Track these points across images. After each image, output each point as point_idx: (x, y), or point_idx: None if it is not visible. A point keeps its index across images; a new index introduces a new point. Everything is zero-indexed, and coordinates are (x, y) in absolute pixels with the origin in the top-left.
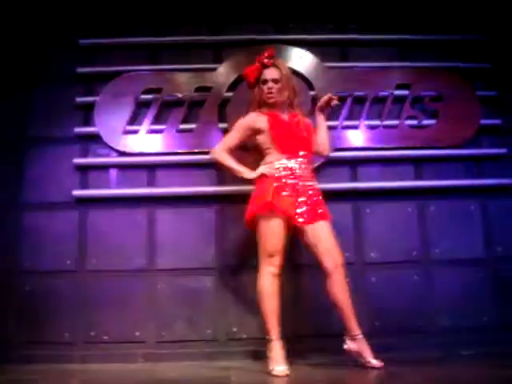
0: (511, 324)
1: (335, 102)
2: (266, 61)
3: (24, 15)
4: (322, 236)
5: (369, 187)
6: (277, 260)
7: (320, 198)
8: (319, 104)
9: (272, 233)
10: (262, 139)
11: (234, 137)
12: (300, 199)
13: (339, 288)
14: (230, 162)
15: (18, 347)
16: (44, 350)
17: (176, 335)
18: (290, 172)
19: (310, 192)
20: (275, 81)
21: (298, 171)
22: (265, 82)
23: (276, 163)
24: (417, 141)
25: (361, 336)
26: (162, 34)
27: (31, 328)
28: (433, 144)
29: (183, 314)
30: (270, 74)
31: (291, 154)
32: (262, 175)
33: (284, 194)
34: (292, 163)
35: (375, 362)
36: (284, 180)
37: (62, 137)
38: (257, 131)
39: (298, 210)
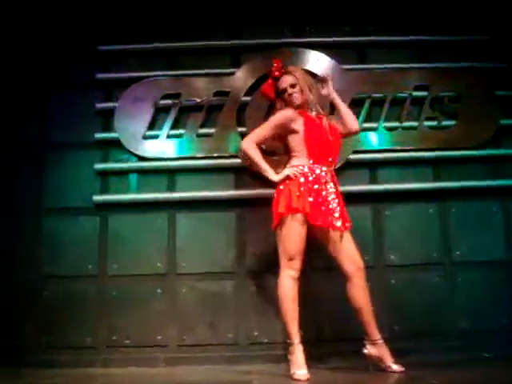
0: None
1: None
2: (276, 73)
3: (45, 23)
4: (347, 242)
5: (388, 189)
6: (297, 263)
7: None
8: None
9: (293, 236)
10: (294, 141)
11: (267, 130)
12: (333, 205)
13: (360, 292)
14: (259, 158)
15: (38, 352)
16: (65, 355)
17: (197, 339)
18: (318, 177)
19: (336, 200)
20: (293, 85)
21: (325, 177)
22: (284, 91)
23: (305, 167)
24: (436, 142)
25: (381, 341)
26: (179, 39)
27: (52, 333)
28: (452, 145)
29: (204, 318)
30: (285, 81)
31: (320, 159)
32: (287, 177)
33: (310, 199)
34: (320, 169)
35: (396, 367)
36: (310, 185)
37: (82, 142)
38: (291, 131)
39: (335, 214)
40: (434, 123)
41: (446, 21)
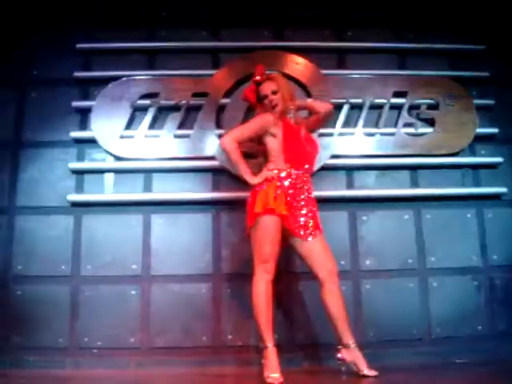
0: (506, 332)
1: None
2: (258, 78)
3: (22, 19)
4: (317, 248)
5: (365, 195)
6: (271, 267)
7: (316, 210)
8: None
9: (268, 239)
10: (273, 145)
11: (248, 130)
12: (302, 211)
13: (333, 297)
14: (239, 158)
15: (9, 352)
16: (36, 356)
17: (171, 342)
18: (293, 182)
19: (310, 206)
20: (274, 92)
21: (300, 183)
22: (265, 97)
23: (282, 172)
24: (413, 149)
25: (354, 345)
26: (159, 39)
27: (22, 333)
28: (429, 152)
29: (178, 320)
30: (268, 87)
31: (296, 165)
32: (265, 179)
33: (286, 202)
34: (295, 174)
35: (369, 372)
36: (287, 190)
37: (58, 141)
38: (270, 134)
39: (301, 222)
40: (412, 130)
41: (426, 28)
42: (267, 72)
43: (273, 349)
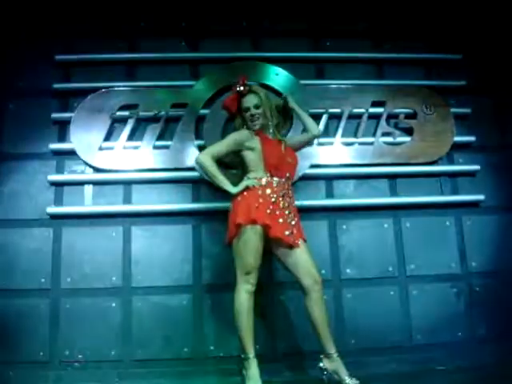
0: (485, 339)
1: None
2: (242, 89)
3: (0, 30)
4: (302, 256)
5: (344, 204)
6: (253, 277)
7: (299, 219)
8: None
9: (251, 249)
10: (252, 156)
11: (223, 146)
12: (287, 220)
13: (317, 306)
14: (215, 171)
15: None
16: (16, 370)
17: (152, 354)
18: (275, 190)
19: (292, 213)
20: (256, 106)
21: (283, 191)
22: (247, 109)
23: (262, 180)
24: (392, 157)
25: (336, 355)
26: (138, 50)
27: (2, 347)
28: (408, 161)
29: (159, 332)
30: (250, 101)
31: (277, 172)
32: (246, 188)
33: (268, 211)
34: (277, 182)
35: (350, 381)
36: (270, 198)
37: (36, 153)
38: (246, 148)
39: (286, 232)
40: (390, 139)
41: (403, 38)
42: (249, 83)
43: (254, 359)
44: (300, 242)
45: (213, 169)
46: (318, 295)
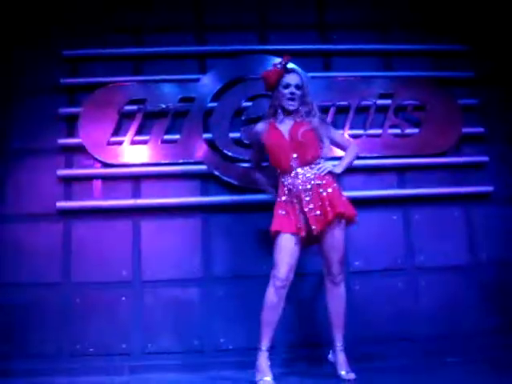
0: (496, 330)
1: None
2: (288, 64)
3: (8, 26)
4: (328, 244)
5: (353, 196)
6: (280, 272)
7: (331, 192)
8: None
9: (280, 246)
10: (268, 153)
11: (252, 150)
12: (307, 208)
13: (332, 297)
14: (258, 181)
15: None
16: (28, 364)
17: (162, 347)
18: (289, 188)
19: (318, 193)
20: (298, 87)
21: (294, 183)
22: (287, 86)
23: (280, 188)
24: (400, 149)
25: (340, 348)
26: (145, 44)
27: (14, 341)
28: (416, 152)
29: (169, 325)
30: (294, 79)
31: (284, 168)
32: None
33: (281, 212)
34: (287, 178)
35: (346, 375)
36: (289, 200)
37: (45, 148)
38: (263, 144)
39: (298, 225)
40: (398, 131)
41: (411, 30)
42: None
43: (265, 352)
44: (336, 229)
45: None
46: (334, 287)
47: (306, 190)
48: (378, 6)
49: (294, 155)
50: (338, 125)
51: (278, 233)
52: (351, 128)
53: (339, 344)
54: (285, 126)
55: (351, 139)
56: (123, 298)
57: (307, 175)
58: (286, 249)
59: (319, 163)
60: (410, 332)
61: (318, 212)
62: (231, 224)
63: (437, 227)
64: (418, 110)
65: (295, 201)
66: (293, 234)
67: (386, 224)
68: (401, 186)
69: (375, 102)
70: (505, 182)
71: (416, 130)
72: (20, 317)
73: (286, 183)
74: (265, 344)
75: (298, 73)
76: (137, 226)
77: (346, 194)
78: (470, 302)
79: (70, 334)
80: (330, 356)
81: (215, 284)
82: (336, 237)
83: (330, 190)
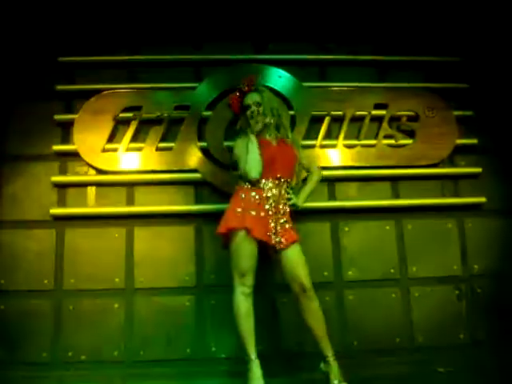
0: (487, 341)
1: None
2: (245, 88)
3: (4, 32)
4: (290, 261)
5: (347, 206)
6: (248, 280)
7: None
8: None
9: (242, 252)
10: None
11: (240, 160)
12: (273, 221)
13: (308, 312)
14: None
15: None
16: (20, 371)
17: (154, 355)
18: (261, 193)
19: (282, 215)
20: (257, 104)
21: (271, 192)
22: (248, 107)
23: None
24: (394, 160)
25: (331, 358)
26: (141, 52)
27: (6, 348)
28: (410, 163)
29: (162, 333)
30: (251, 98)
31: (266, 175)
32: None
33: (253, 213)
34: (265, 184)
35: (338, 383)
36: (254, 201)
37: (40, 154)
38: None
39: (269, 233)
40: (392, 141)
41: (406, 41)
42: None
43: (256, 361)
44: (293, 246)
45: None
46: (308, 301)
47: (281, 205)
48: (374, 18)
49: (281, 170)
50: (332, 134)
51: (236, 230)
52: (345, 138)
53: (330, 354)
54: (271, 140)
55: (315, 165)
56: (116, 306)
57: (284, 193)
58: (250, 251)
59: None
60: (402, 342)
61: (285, 230)
62: None
63: (430, 238)
64: (413, 120)
65: (272, 210)
66: (251, 234)
67: (380, 234)
68: (394, 196)
69: (370, 112)
70: (497, 194)
71: (410, 141)
72: (12, 323)
73: (266, 188)
74: (252, 352)
75: (256, 90)
76: (130, 233)
77: (339, 203)
78: (461, 312)
79: (62, 341)
80: (322, 366)
81: (208, 292)
82: (298, 253)
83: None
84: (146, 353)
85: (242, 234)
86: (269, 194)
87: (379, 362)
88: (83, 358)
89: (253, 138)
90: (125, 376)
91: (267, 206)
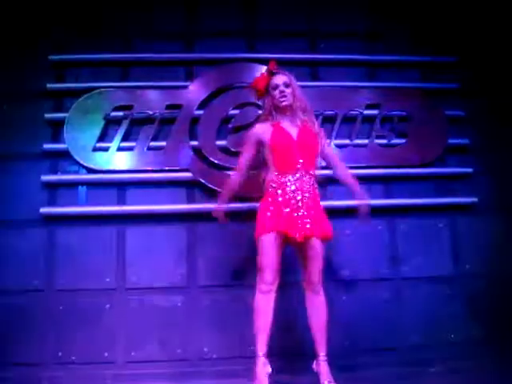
0: (478, 340)
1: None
2: (274, 68)
3: None
4: (317, 255)
5: (338, 205)
6: (267, 276)
7: (320, 209)
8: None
9: (266, 250)
10: (266, 153)
11: (246, 152)
12: (298, 213)
13: (311, 306)
14: (225, 186)
15: None
16: (9, 372)
17: (146, 355)
18: (284, 190)
19: (305, 207)
20: (286, 84)
21: (293, 187)
22: (276, 87)
23: (271, 182)
24: (386, 160)
25: (323, 358)
26: (132, 50)
27: None
28: (402, 163)
29: (153, 333)
30: (280, 78)
31: (286, 169)
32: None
33: (268, 214)
34: (288, 179)
35: None
36: (281, 199)
37: (30, 153)
38: (264, 144)
39: (298, 224)
40: (384, 141)
41: (397, 41)
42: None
43: (261, 358)
44: (319, 241)
45: (227, 183)
46: (313, 295)
47: (305, 197)
48: (366, 17)
49: (301, 160)
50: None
51: (263, 234)
52: (337, 138)
53: (322, 354)
54: (292, 129)
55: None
56: (107, 306)
57: (307, 183)
58: (272, 251)
59: (314, 179)
60: (394, 342)
61: (309, 220)
62: (216, 232)
63: (422, 237)
64: (404, 120)
65: (293, 201)
66: (278, 233)
67: (371, 234)
68: (386, 195)
69: (362, 112)
70: (489, 193)
71: (402, 141)
72: (2, 323)
73: (288, 183)
74: (261, 349)
75: (283, 73)
76: (121, 232)
77: (331, 203)
78: (453, 312)
79: (52, 342)
80: (313, 366)
81: (200, 292)
82: (318, 247)
83: (319, 207)
84: (137, 353)
85: (269, 237)
86: (292, 188)
87: (371, 362)
88: (73, 358)
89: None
90: (116, 376)
91: (293, 201)
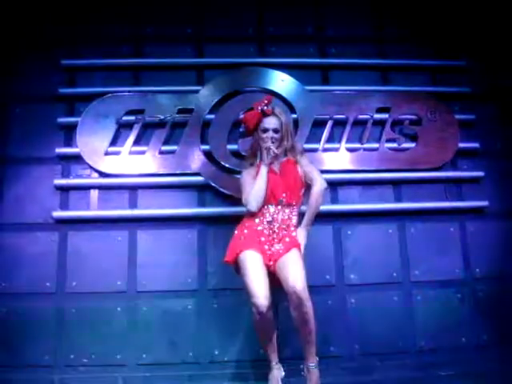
0: (489, 344)
1: None
2: (266, 109)
3: (7, 35)
4: (287, 263)
5: (349, 209)
6: (260, 301)
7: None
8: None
9: (250, 265)
10: None
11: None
12: (274, 247)
13: (296, 313)
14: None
15: None
16: (22, 374)
17: (157, 358)
18: (262, 219)
19: (280, 238)
20: (276, 130)
21: (270, 218)
22: (265, 130)
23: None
24: (396, 163)
25: (314, 366)
26: (144, 55)
27: (8, 351)
28: (412, 166)
29: (164, 336)
30: (271, 123)
31: (270, 201)
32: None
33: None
34: (268, 209)
35: None
36: (256, 227)
37: (42, 157)
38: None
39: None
40: (395, 145)
41: (408, 45)
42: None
43: (275, 365)
44: (291, 252)
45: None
46: (298, 302)
47: (282, 229)
48: (376, 21)
49: (284, 194)
50: (334, 138)
51: (241, 252)
52: (348, 141)
53: (313, 363)
54: (275, 165)
55: (319, 177)
56: (118, 309)
57: (287, 214)
58: (258, 268)
59: (296, 210)
60: (404, 345)
61: (282, 249)
62: (227, 235)
63: (432, 241)
64: (415, 124)
65: (270, 233)
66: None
67: (382, 238)
68: (397, 199)
69: (372, 116)
70: (500, 197)
71: (412, 145)
72: (14, 326)
73: (267, 214)
74: (273, 358)
75: (277, 115)
76: (133, 236)
77: (342, 207)
78: (464, 316)
79: (64, 345)
80: (304, 372)
81: (210, 296)
82: (295, 255)
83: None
84: (148, 356)
85: (243, 256)
86: (270, 218)
87: (381, 365)
88: (85, 361)
89: (264, 171)
90: (127, 379)
91: (266, 232)
